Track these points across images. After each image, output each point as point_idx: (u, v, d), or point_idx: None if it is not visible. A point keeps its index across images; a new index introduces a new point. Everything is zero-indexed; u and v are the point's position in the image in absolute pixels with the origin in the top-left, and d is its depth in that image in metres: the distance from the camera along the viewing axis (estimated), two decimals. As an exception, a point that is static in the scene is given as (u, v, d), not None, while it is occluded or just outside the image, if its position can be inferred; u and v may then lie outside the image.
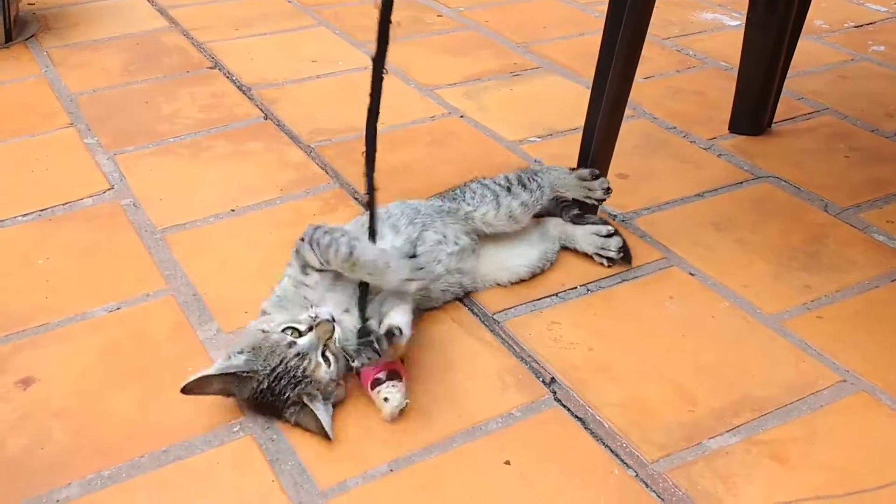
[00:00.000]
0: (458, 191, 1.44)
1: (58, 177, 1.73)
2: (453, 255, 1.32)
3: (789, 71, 1.90)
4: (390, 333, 1.10)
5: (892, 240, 1.55)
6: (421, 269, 1.18)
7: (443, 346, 1.28)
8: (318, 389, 1.11)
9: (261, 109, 2.01)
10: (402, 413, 1.13)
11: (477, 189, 1.42)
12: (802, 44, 1.94)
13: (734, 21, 2.59)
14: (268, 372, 1.09)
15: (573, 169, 1.51)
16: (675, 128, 1.95)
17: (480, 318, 1.34)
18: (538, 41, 2.43)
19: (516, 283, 1.40)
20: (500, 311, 1.35)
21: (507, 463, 1.09)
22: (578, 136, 1.58)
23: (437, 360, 1.25)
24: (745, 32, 1.83)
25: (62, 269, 1.45)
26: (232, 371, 1.10)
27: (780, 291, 1.41)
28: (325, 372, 1.11)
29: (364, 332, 1.13)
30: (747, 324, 1.34)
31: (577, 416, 1.17)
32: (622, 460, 1.10)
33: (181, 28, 2.48)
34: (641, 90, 2.07)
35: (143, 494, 1.04)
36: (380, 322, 1.12)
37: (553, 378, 1.23)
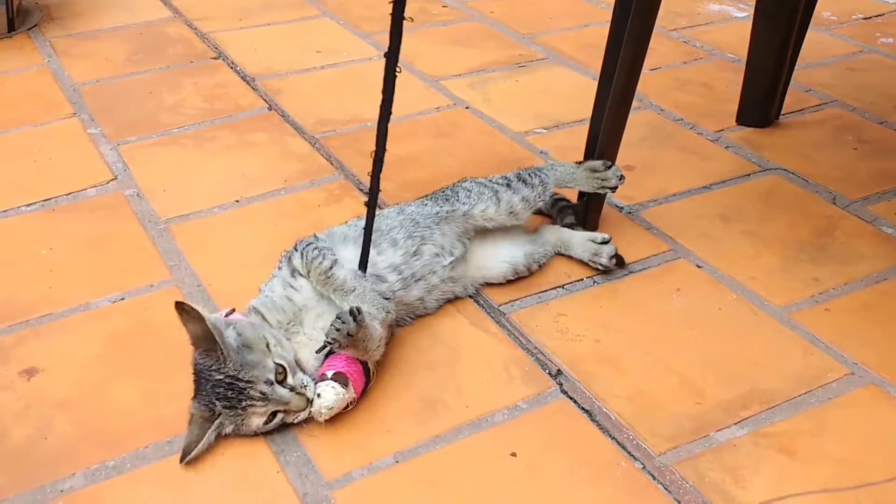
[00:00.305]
0: (448, 191, 1.41)
1: (61, 167, 1.72)
2: (447, 266, 1.31)
3: (797, 63, 1.89)
4: (354, 312, 1.08)
5: (901, 232, 1.54)
6: (386, 309, 1.16)
7: (449, 338, 1.28)
8: (237, 424, 1.07)
9: (265, 100, 2.00)
10: (332, 418, 1.09)
11: (472, 187, 1.40)
12: (811, 35, 1.92)
13: (741, 12, 2.57)
14: (231, 374, 1.05)
15: (580, 163, 1.50)
16: (682, 119, 1.93)
17: (486, 310, 1.34)
18: (544, 32, 2.41)
19: (501, 283, 1.38)
20: (506, 303, 1.35)
21: (514, 455, 1.09)
22: (584, 128, 1.57)
23: (443, 352, 1.24)
24: (754, 24, 1.81)
25: (66, 259, 1.45)
26: (217, 339, 1.05)
27: (788, 284, 1.40)
28: (257, 424, 1.07)
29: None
30: (755, 316, 1.33)
31: (583, 408, 1.16)
32: (629, 452, 1.09)
33: (185, 18, 2.47)
34: (648, 82, 2.06)
35: (147, 485, 1.04)
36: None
37: (559, 370, 1.22)
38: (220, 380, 1.06)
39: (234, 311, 1.18)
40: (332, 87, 2.07)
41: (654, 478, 1.06)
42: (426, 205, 1.38)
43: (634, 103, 1.51)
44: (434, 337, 1.28)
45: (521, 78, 2.14)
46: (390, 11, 1.05)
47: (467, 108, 1.98)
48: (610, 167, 1.46)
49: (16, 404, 1.15)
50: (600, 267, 1.41)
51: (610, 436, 1.12)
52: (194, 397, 1.09)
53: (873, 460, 1.08)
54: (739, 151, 1.80)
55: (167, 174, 1.70)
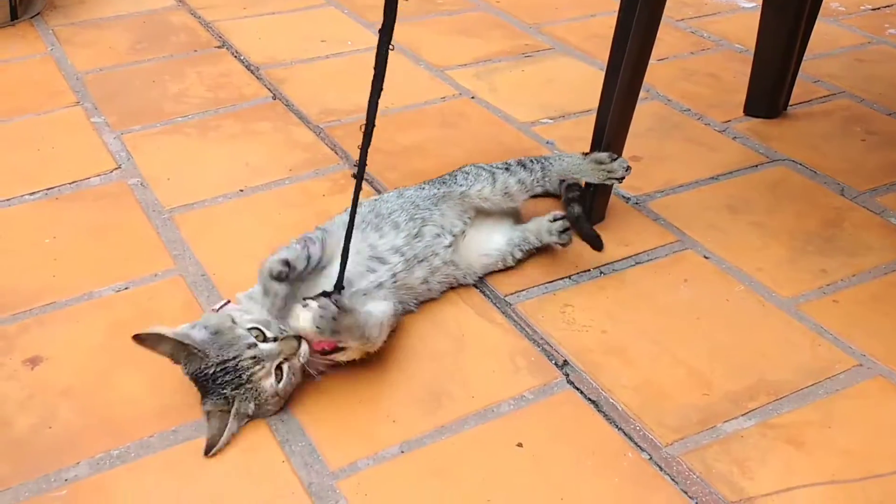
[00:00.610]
0: (447, 175, 1.43)
1: (64, 156, 1.71)
2: (448, 248, 1.31)
3: (805, 53, 1.87)
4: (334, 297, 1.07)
5: (910, 224, 1.53)
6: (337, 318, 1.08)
7: (454, 328, 1.27)
8: (254, 398, 1.07)
9: (269, 89, 1.99)
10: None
11: (471, 170, 1.42)
12: (819, 26, 1.91)
13: (749, 3, 2.55)
14: (218, 361, 1.06)
15: (586, 154, 1.49)
16: (689, 110, 1.92)
17: (492, 301, 1.33)
18: (550, 22, 2.39)
19: (500, 269, 1.38)
20: (511, 294, 1.34)
21: (520, 445, 1.08)
22: (591, 118, 1.55)
23: (449, 343, 1.24)
24: (762, 14, 1.80)
25: (69, 248, 1.44)
26: (186, 342, 1.06)
27: (796, 275, 1.39)
28: (270, 384, 1.07)
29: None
30: (762, 307, 1.32)
31: (590, 399, 1.15)
32: (636, 443, 1.08)
33: (188, 7, 2.46)
34: (655, 72, 2.04)
35: (152, 474, 1.04)
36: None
37: (566, 360, 1.21)
38: (214, 372, 1.06)
39: (228, 302, 1.18)
40: (336, 77, 2.06)
41: (660, 469, 1.05)
42: (424, 188, 1.40)
43: (641, 94, 1.50)
44: (439, 327, 1.27)
45: (527, 68, 2.13)
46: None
47: (473, 97, 1.97)
48: (616, 159, 1.45)
49: (19, 393, 1.15)
50: (555, 242, 1.39)
51: (616, 426, 1.11)
52: (203, 399, 1.09)
53: (881, 452, 1.07)
54: (747, 142, 1.79)
55: (171, 163, 1.69)
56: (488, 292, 1.35)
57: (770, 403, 1.14)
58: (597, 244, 1.41)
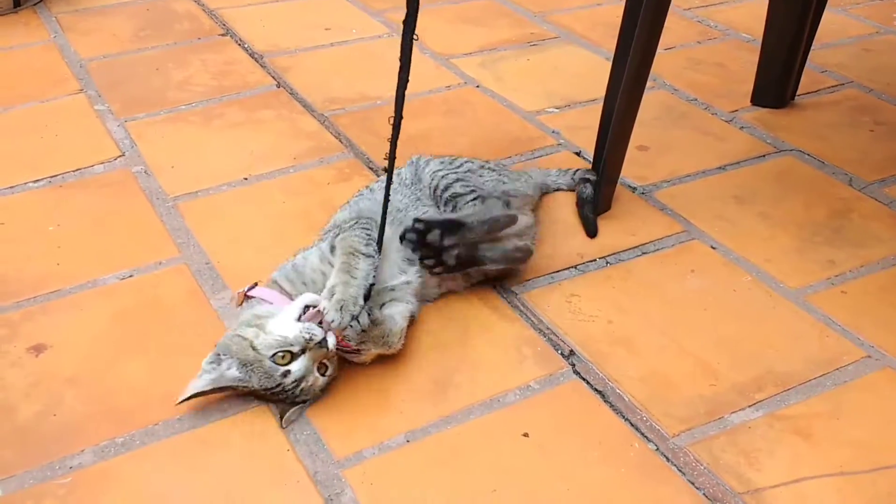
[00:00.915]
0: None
1: (68, 143, 1.70)
2: None
3: (813, 43, 1.86)
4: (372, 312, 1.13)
5: (918, 215, 1.52)
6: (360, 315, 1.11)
7: (460, 318, 1.26)
8: (315, 393, 1.10)
9: (273, 77, 1.98)
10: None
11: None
12: (826, 16, 1.89)
13: (756, -8, 2.53)
14: (262, 387, 1.07)
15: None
16: (695, 99, 1.91)
17: (498, 291, 1.32)
18: (556, 10, 2.38)
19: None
20: (517, 284, 1.33)
21: (526, 435, 1.08)
22: (596, 107, 1.55)
23: (455, 332, 1.23)
24: (770, 3, 1.78)
25: (73, 236, 1.43)
26: (224, 385, 1.08)
27: (804, 266, 1.38)
28: (322, 381, 1.09)
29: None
30: (770, 298, 1.31)
31: (596, 389, 1.15)
32: (642, 434, 1.08)
33: (192, -5, 2.44)
34: (662, 61, 2.02)
35: (157, 462, 1.03)
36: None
37: (572, 350, 1.21)
38: (264, 394, 1.08)
39: (256, 284, 1.18)
40: (341, 65, 2.05)
41: (667, 459, 1.05)
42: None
43: (648, 83, 1.49)
44: (445, 317, 1.26)
45: (532, 57, 2.11)
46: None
47: (478, 86, 1.96)
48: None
49: (24, 381, 1.14)
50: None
51: (623, 417, 1.10)
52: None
53: (890, 443, 1.07)
54: (754, 132, 1.78)
55: (175, 151, 1.68)
56: (494, 282, 1.34)
57: (778, 394, 1.13)
58: (590, 229, 1.44)
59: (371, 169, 1.63)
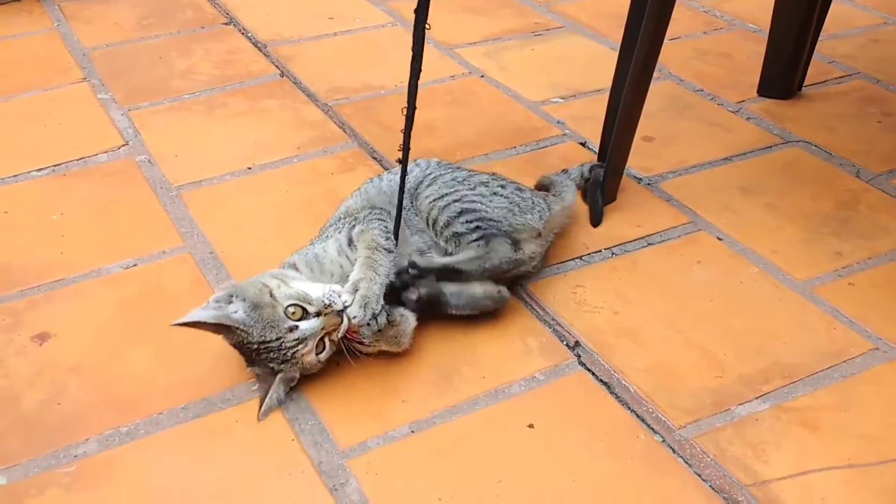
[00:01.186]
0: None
1: (71, 132, 1.70)
2: None
3: (820, 34, 1.84)
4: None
5: (926, 207, 1.51)
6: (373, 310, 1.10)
7: (464, 307, 1.26)
8: (299, 368, 1.09)
9: (277, 67, 1.97)
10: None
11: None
12: (834, 6, 1.88)
13: (762, -18, 2.51)
14: (260, 340, 1.05)
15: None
16: (702, 90, 1.89)
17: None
18: (560, 0, 2.36)
19: None
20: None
21: (531, 426, 1.07)
22: (601, 98, 1.54)
23: (460, 323, 1.22)
24: (778, -8, 1.77)
25: (77, 224, 1.43)
26: (227, 324, 1.05)
27: (811, 258, 1.37)
28: (314, 358, 1.08)
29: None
30: (777, 290, 1.30)
31: (601, 381, 1.14)
32: (648, 425, 1.07)
33: (195, -17, 2.43)
34: (667, 52, 1.99)
35: (161, 451, 1.03)
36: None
37: (577, 342, 1.20)
38: (256, 347, 1.06)
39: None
40: (344, 55, 2.03)
41: (673, 451, 1.04)
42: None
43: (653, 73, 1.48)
44: (450, 307, 1.26)
45: (537, 47, 2.10)
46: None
47: (482, 76, 1.95)
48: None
49: (28, 369, 1.14)
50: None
51: (629, 408, 1.10)
52: (248, 365, 1.10)
53: (897, 436, 1.06)
54: (761, 123, 1.77)
55: (178, 140, 1.67)
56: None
57: (785, 387, 1.13)
58: (595, 216, 1.43)
59: (375, 159, 1.62)
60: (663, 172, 1.59)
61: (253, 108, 1.80)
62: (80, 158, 1.60)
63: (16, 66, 1.95)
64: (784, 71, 1.84)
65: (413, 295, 1.16)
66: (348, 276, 1.14)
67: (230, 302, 1.07)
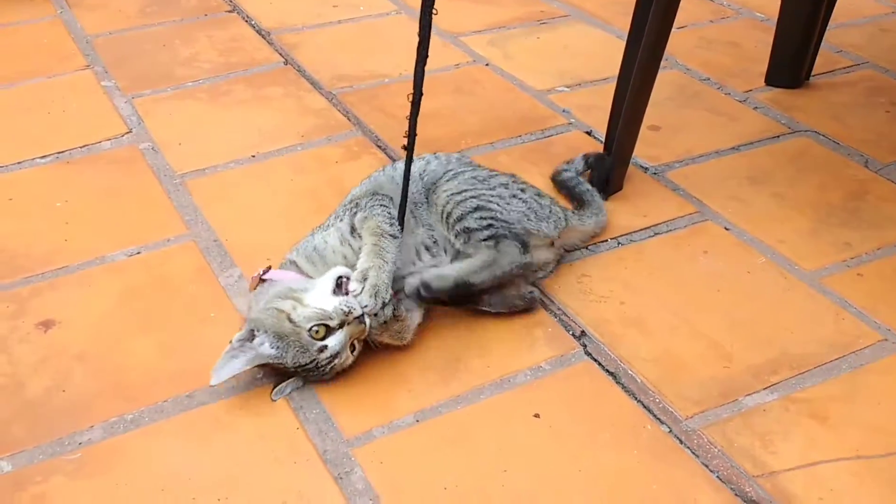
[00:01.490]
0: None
1: (75, 119, 1.69)
2: None
3: (829, 23, 1.83)
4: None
5: (935, 197, 1.49)
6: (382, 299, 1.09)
7: (470, 296, 1.25)
8: (342, 369, 1.09)
9: (281, 54, 1.96)
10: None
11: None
12: (843, -6, 1.86)
13: (770, -29, 2.49)
14: (295, 364, 1.05)
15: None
16: (708, 79, 1.88)
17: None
18: (566, -11, 2.34)
19: None
20: (528, 263, 1.32)
21: (537, 416, 1.07)
22: (608, 86, 1.52)
23: (465, 312, 1.22)
24: (786, -19, 1.75)
25: (81, 212, 1.42)
26: (261, 363, 1.06)
27: (819, 248, 1.36)
28: (350, 360, 1.08)
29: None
30: (784, 280, 1.29)
31: (608, 371, 1.14)
32: (655, 416, 1.07)
33: (198, -30, 2.41)
34: (674, 40, 1.97)
35: (166, 439, 1.03)
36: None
37: (583, 331, 1.19)
38: (295, 370, 1.07)
39: (269, 268, 1.16)
40: (348, 42, 2.02)
41: (680, 442, 1.04)
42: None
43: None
44: (455, 296, 1.25)
45: (542, 35, 2.08)
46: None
47: (487, 65, 1.93)
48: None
49: (33, 356, 1.14)
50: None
51: (635, 398, 1.09)
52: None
53: (906, 428, 1.06)
54: (768, 112, 1.75)
55: (182, 128, 1.66)
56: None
57: (793, 377, 1.12)
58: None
59: (379, 147, 1.61)
60: (670, 162, 1.58)
61: (257, 95, 1.79)
62: (84, 146, 1.60)
63: (19, 53, 1.94)
64: (792, 60, 1.82)
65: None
66: (349, 263, 1.13)
67: (252, 338, 1.06)
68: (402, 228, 1.17)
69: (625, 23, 1.48)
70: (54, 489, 0.97)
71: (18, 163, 1.55)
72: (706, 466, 1.00)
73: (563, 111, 1.75)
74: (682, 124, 1.70)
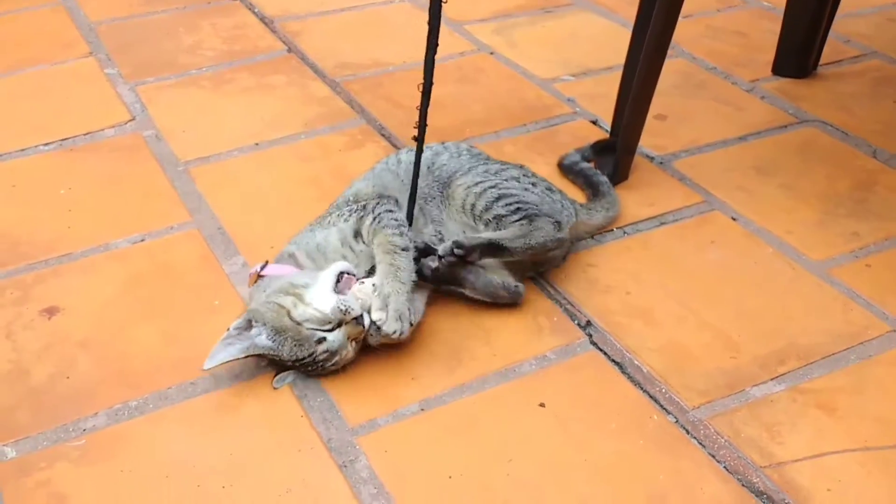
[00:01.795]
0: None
1: (78, 107, 1.68)
2: None
3: (836, 12, 1.81)
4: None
5: (944, 188, 1.48)
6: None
7: (475, 285, 1.24)
8: (343, 365, 1.09)
9: (284, 42, 1.95)
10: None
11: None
12: (852, -17, 1.85)
13: (777, -40, 2.47)
14: (293, 358, 1.05)
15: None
16: (715, 68, 1.87)
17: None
18: (572, -23, 2.32)
19: None
20: (534, 252, 1.31)
21: (542, 405, 1.06)
22: (613, 75, 1.51)
23: (470, 301, 1.21)
24: (794, -31, 1.74)
25: (84, 199, 1.42)
26: (256, 353, 1.06)
27: (827, 238, 1.35)
28: (352, 354, 1.08)
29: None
30: (792, 270, 1.29)
31: (613, 361, 1.13)
32: (661, 406, 1.06)
33: (202, -43, 2.39)
34: (680, 29, 1.94)
35: (170, 426, 1.02)
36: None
37: (589, 321, 1.19)
38: (293, 364, 1.06)
39: (267, 263, 1.15)
40: (352, 30, 2.01)
41: (687, 432, 1.03)
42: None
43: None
44: (460, 285, 1.24)
45: (547, 23, 2.07)
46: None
47: (492, 53, 1.92)
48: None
49: (37, 343, 1.13)
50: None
51: (641, 388, 1.09)
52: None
53: (913, 419, 1.05)
54: (775, 102, 1.74)
55: (186, 116, 1.66)
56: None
57: (800, 368, 1.11)
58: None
59: (383, 135, 1.60)
60: (676, 151, 1.57)
61: (260, 83, 1.78)
62: (88, 133, 1.59)
63: (22, 40, 1.93)
64: (799, 50, 1.81)
65: (433, 263, 1.15)
66: (353, 265, 1.12)
67: (250, 327, 1.06)
68: (411, 224, 1.16)
69: (631, 11, 1.47)
70: (59, 475, 0.96)
71: (22, 150, 1.54)
72: (713, 457, 1.00)
73: (569, 100, 1.74)
74: (688, 114, 1.69)
